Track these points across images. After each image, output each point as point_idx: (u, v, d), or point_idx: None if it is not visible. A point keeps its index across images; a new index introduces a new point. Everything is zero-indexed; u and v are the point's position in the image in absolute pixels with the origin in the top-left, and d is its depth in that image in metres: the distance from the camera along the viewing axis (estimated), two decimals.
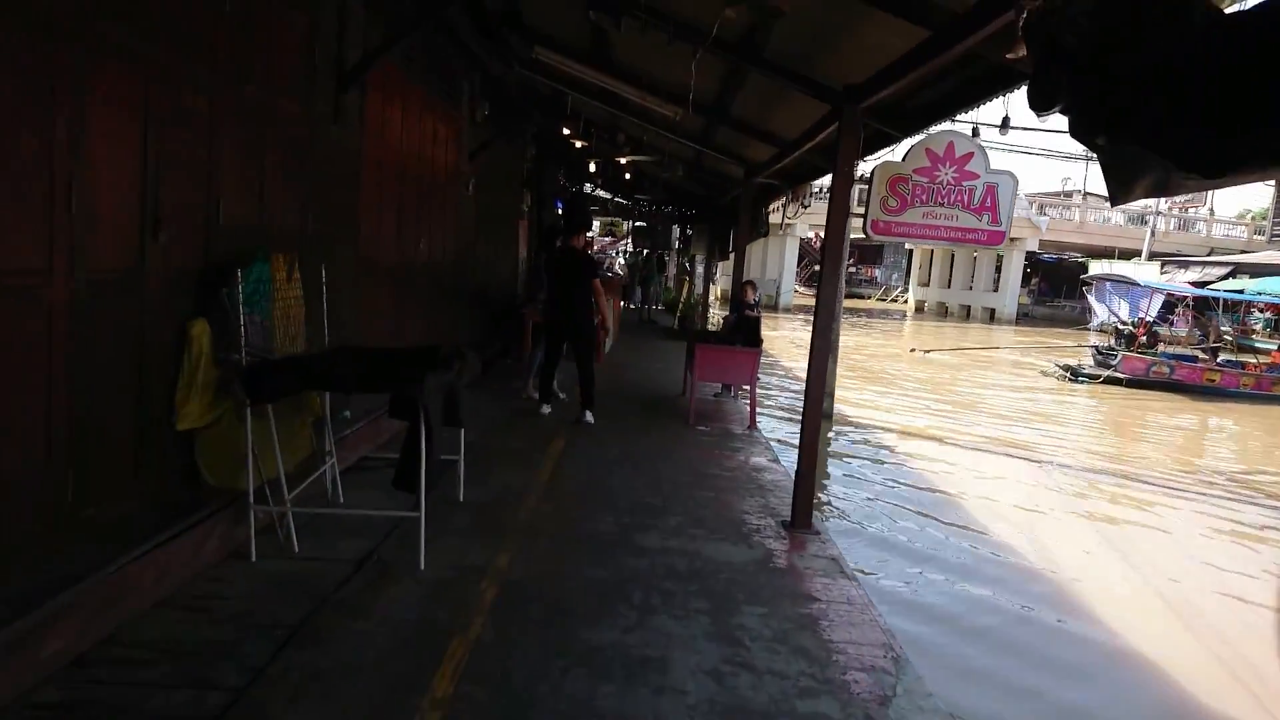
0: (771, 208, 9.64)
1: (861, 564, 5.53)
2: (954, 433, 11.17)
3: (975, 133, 4.43)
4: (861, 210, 4.56)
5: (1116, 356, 16.90)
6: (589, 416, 6.89)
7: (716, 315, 16.24)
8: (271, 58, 4.12)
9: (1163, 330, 18.83)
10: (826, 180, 8.54)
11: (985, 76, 4.00)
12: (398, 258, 6.30)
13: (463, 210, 8.26)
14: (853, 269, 45.71)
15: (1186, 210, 41.95)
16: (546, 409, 7.06)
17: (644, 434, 6.73)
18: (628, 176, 13.29)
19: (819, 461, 4.87)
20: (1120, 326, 18.33)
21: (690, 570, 3.90)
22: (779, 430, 9.81)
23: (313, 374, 3.64)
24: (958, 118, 4.38)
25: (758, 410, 7.65)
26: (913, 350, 20.65)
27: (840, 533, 6.24)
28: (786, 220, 7.96)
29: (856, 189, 6.93)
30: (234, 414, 3.65)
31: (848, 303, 22.97)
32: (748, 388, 7.52)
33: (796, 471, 4.65)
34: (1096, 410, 14.58)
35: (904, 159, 4.50)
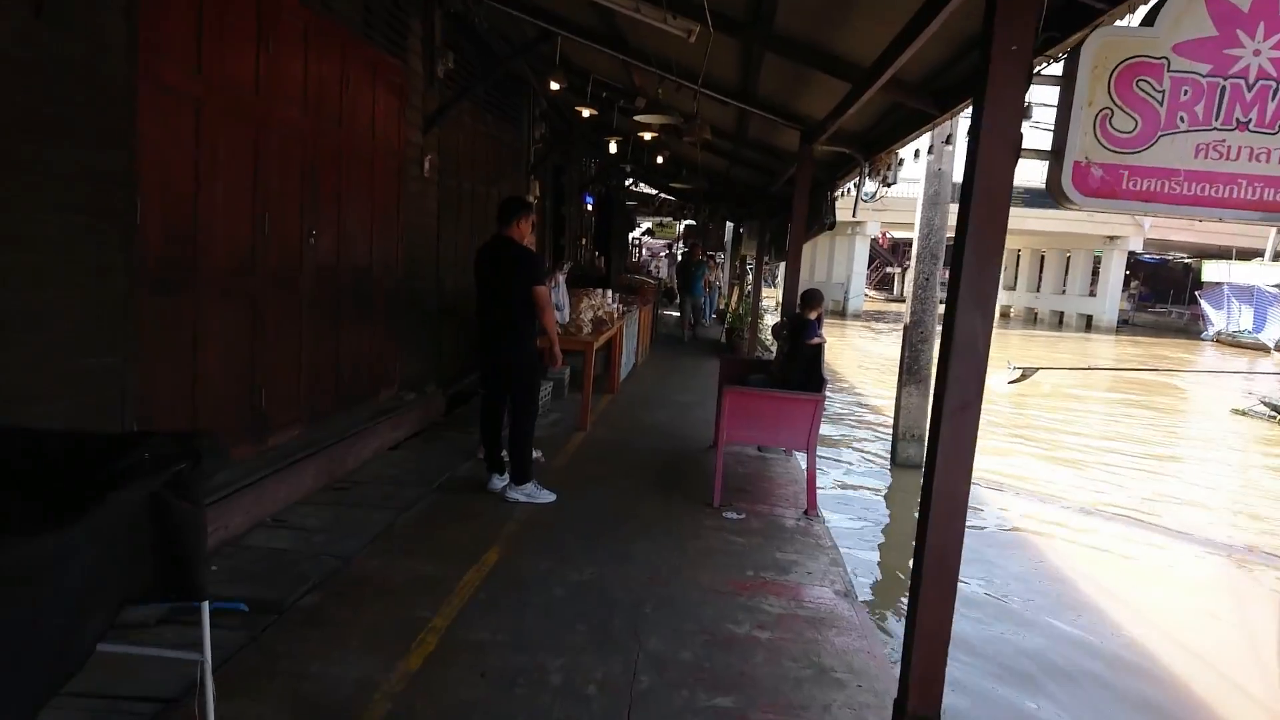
0: (839, 191, 7.11)
1: None
2: (1142, 515, 7.45)
3: None
4: (1048, 149, 2.05)
5: None
6: (520, 493, 4.61)
7: (768, 330, 13.40)
8: None
9: None
10: (922, 141, 6.01)
11: None
12: (257, 258, 4.09)
13: (414, 196, 6.04)
14: None
15: None
16: (497, 481, 4.74)
17: (636, 530, 4.32)
18: (660, 160, 10.90)
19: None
20: None
21: None
22: (850, 506, 7.06)
23: None
24: None
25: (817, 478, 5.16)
26: (1012, 370, 14.22)
27: None
28: (863, 200, 5.45)
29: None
30: None
31: None
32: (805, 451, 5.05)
33: (898, 705, 2.20)
34: None
35: (1151, 18, 1.94)
